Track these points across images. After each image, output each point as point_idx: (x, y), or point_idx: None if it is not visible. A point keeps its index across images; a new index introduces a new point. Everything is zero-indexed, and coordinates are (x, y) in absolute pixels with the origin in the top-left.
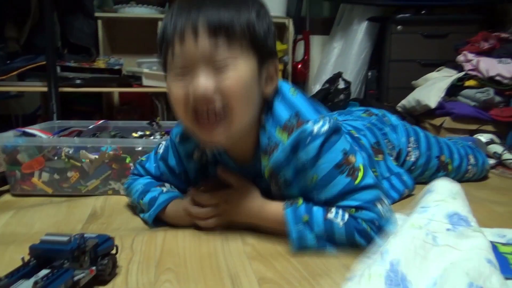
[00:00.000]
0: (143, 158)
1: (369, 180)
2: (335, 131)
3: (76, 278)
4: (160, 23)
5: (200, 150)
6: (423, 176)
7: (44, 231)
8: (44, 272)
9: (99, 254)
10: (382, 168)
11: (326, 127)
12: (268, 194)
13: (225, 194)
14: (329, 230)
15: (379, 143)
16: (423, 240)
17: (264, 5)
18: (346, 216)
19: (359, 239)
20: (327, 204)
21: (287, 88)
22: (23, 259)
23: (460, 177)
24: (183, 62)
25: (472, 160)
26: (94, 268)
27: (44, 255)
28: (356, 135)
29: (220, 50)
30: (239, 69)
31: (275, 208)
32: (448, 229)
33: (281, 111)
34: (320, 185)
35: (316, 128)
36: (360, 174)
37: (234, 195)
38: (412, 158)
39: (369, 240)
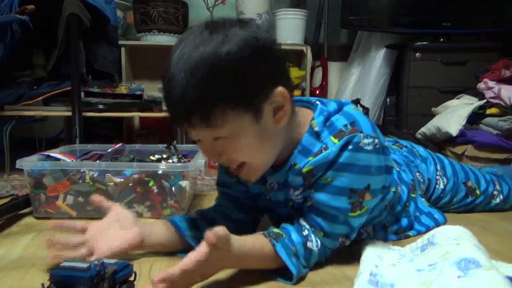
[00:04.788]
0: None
1: (358, 221)
2: (381, 164)
3: None
4: None
5: None
6: (451, 203)
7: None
8: None
9: (117, 281)
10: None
11: (371, 147)
12: (283, 205)
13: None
14: (308, 257)
15: (414, 180)
16: None
17: (223, 57)
18: (319, 242)
19: (323, 260)
20: (311, 209)
21: (349, 105)
22: (42, 285)
23: (488, 201)
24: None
25: (497, 186)
26: None
27: (63, 281)
28: (397, 168)
29: (208, 129)
30: (237, 134)
31: (258, 243)
32: (459, 276)
33: (339, 120)
34: (328, 189)
35: (363, 142)
36: (358, 212)
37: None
38: (440, 186)
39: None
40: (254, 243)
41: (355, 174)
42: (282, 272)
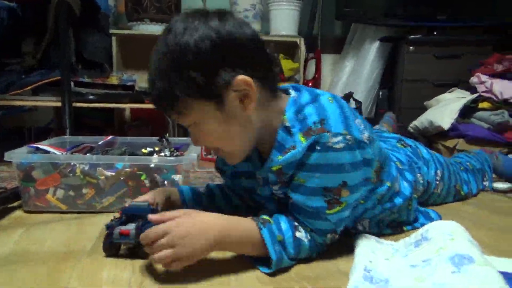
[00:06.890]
0: None
1: (338, 216)
2: (357, 159)
3: None
4: None
5: None
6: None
7: (55, 249)
8: (133, 224)
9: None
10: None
11: (341, 145)
12: (270, 200)
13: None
14: (297, 248)
15: (416, 181)
16: None
17: (187, 50)
18: (309, 235)
19: (314, 255)
20: (292, 207)
21: (325, 96)
22: (114, 217)
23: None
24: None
25: (470, 185)
26: None
27: (132, 213)
28: (401, 167)
29: (178, 117)
30: (202, 121)
31: (245, 224)
32: (453, 272)
33: (311, 115)
34: (302, 190)
35: (331, 141)
36: (337, 209)
37: (187, 215)
38: (438, 190)
39: (317, 254)
40: (241, 223)
41: (327, 174)
42: (264, 261)
